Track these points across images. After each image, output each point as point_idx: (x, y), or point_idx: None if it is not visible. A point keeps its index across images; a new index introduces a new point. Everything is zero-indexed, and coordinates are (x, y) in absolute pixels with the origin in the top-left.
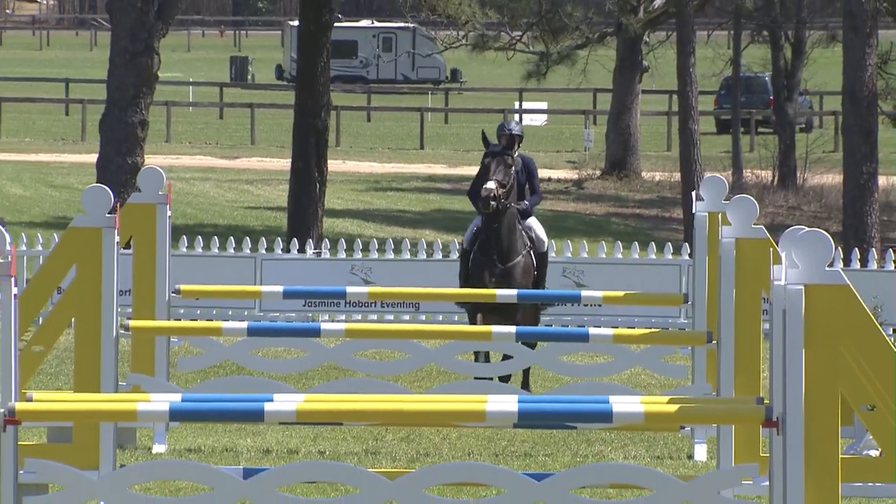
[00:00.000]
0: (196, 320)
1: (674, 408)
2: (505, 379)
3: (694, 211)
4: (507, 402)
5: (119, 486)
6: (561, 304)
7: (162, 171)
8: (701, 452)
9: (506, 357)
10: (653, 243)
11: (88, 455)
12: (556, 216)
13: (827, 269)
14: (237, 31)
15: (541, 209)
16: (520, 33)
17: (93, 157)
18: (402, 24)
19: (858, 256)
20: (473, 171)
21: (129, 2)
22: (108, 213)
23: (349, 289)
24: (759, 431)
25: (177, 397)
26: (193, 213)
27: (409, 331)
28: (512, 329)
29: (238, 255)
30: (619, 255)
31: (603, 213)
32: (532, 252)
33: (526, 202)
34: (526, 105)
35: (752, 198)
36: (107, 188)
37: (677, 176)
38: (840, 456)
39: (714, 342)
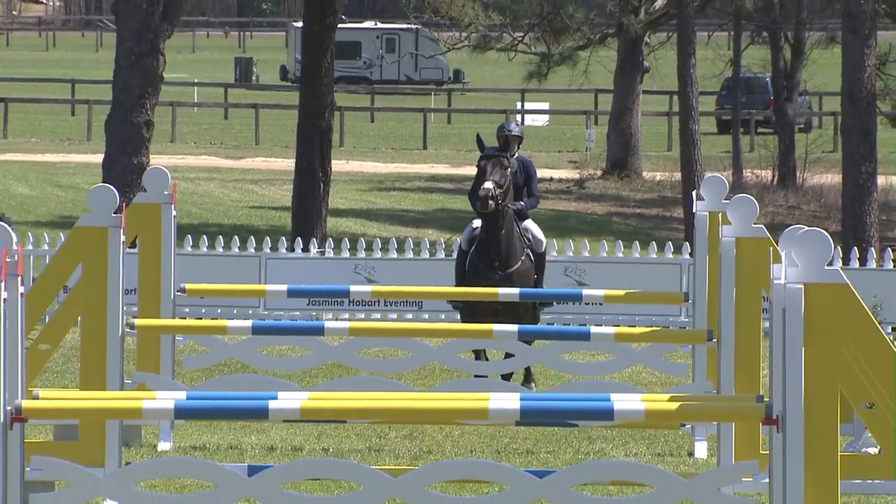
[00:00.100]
0: (201, 319)
1: (674, 406)
2: (507, 377)
3: (694, 210)
4: (509, 400)
5: (124, 484)
6: (562, 303)
7: (167, 171)
8: (701, 450)
9: (508, 356)
10: (654, 242)
11: (94, 452)
12: (557, 216)
13: (826, 268)
14: (242, 33)
15: (542, 209)
16: (521, 34)
17: (98, 158)
18: (405, 26)
19: (857, 255)
20: (476, 171)
21: (135, 3)
22: (114, 213)
23: (353, 288)
24: (759, 429)
25: (182, 395)
26: (198, 212)
27: (411, 329)
28: (514, 328)
29: (242, 255)
30: (621, 255)
31: (604, 212)
32: (531, 254)
33: (522, 203)
34: (528, 105)
35: (752, 197)
36: (112, 188)
37: (678, 176)
38: (839, 453)
39: (714, 340)
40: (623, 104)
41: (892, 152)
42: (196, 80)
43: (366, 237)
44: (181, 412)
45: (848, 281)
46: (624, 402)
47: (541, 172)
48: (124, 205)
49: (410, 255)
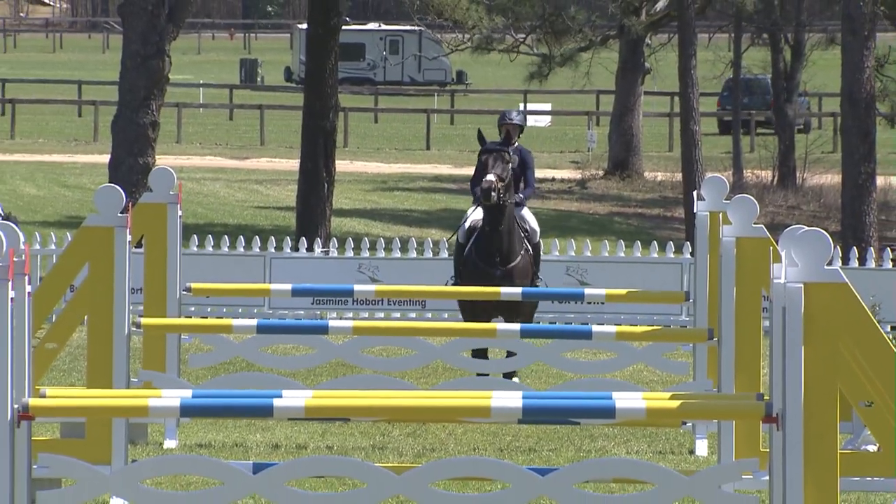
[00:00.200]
0: (206, 318)
1: (675, 404)
2: (509, 376)
3: (695, 210)
4: (511, 398)
5: (131, 481)
6: (564, 302)
7: (173, 171)
8: (702, 448)
9: (509, 354)
10: (655, 242)
11: (101, 450)
12: (559, 215)
13: (826, 267)
14: (247, 34)
15: (544, 209)
16: (523, 36)
17: (105, 158)
18: (408, 27)
19: (857, 255)
20: (477, 163)
21: (141, 5)
22: (120, 213)
23: (357, 287)
24: (759, 427)
25: (187, 393)
26: (204, 212)
27: (415, 328)
28: (516, 326)
29: (248, 254)
30: (622, 254)
31: (606, 212)
32: (529, 248)
33: (520, 195)
34: (530, 106)
35: (752, 197)
36: (119, 188)
37: (679, 176)
38: (839, 451)
39: (715, 339)
40: (624, 105)
41: (891, 153)
42: (201, 82)
43: (369, 237)
44: (187, 410)
45: (847, 280)
46: (625, 400)
47: (543, 173)
48: (130, 205)
49: (414, 254)
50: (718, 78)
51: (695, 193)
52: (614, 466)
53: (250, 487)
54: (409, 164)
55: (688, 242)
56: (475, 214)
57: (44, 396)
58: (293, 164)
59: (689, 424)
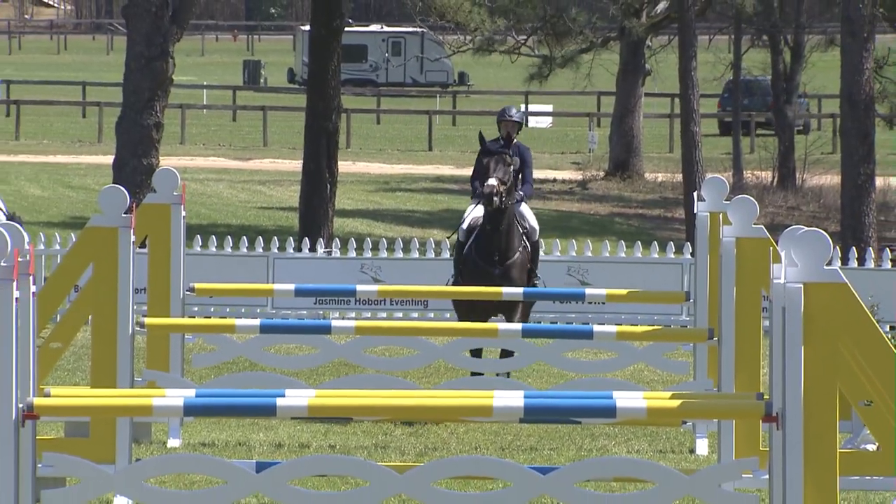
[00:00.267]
0: (210, 318)
1: (676, 403)
2: (505, 376)
3: (695, 211)
4: (513, 398)
5: (135, 480)
6: (566, 302)
7: (176, 172)
8: (702, 447)
9: (504, 353)
10: (655, 242)
11: (105, 449)
12: (560, 216)
13: (825, 267)
14: (250, 36)
15: (546, 209)
16: (525, 37)
17: (109, 159)
18: (410, 29)
19: (856, 255)
20: (476, 161)
21: (145, 7)
22: (124, 214)
23: (359, 287)
24: (759, 426)
25: (191, 393)
26: (207, 213)
27: (417, 328)
28: (518, 326)
29: (251, 255)
30: (623, 254)
31: (607, 213)
32: (527, 244)
33: (521, 192)
34: (532, 108)
35: (752, 198)
36: (123, 189)
37: (679, 177)
38: (838, 450)
39: (715, 339)
40: (625, 106)
41: (889, 154)
42: (205, 83)
43: (372, 237)
44: (190, 409)
45: (847, 280)
46: (626, 399)
47: (545, 173)
48: (134, 205)
49: (416, 254)
50: (719, 80)
51: (695, 194)
52: (615, 465)
53: (253, 486)
54: (412, 164)
55: (688, 243)
56: (475, 212)
57: (48, 396)
58: (296, 164)
59: (690, 424)
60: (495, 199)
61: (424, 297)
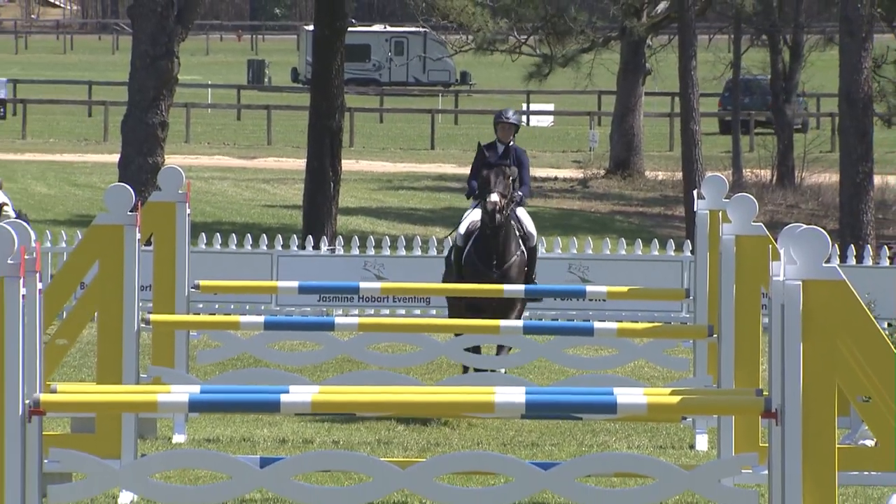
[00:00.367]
0: (214, 315)
1: (676, 399)
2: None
3: (695, 209)
4: (514, 394)
5: (140, 475)
6: (566, 299)
7: (181, 170)
8: (702, 442)
9: (499, 349)
10: (655, 240)
11: (110, 445)
12: (562, 214)
13: (824, 265)
14: (254, 36)
15: (547, 207)
16: (525, 37)
17: (115, 157)
18: (413, 29)
19: (854, 253)
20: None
21: (150, 7)
22: (130, 212)
23: (362, 284)
24: (758, 422)
25: (196, 389)
26: (212, 211)
27: (420, 325)
28: (519, 323)
29: (255, 252)
30: (623, 252)
31: (607, 210)
32: (524, 249)
33: (519, 193)
34: (533, 107)
35: (751, 196)
36: (128, 187)
37: (679, 175)
38: (837, 446)
39: (715, 336)
40: (626, 105)
41: (888, 152)
42: (210, 82)
43: (375, 235)
44: (195, 405)
45: (845, 278)
46: (627, 395)
47: (545, 172)
48: (140, 203)
49: (419, 252)
50: (718, 79)
51: (695, 192)
52: (616, 461)
53: (258, 481)
54: (414, 163)
55: (688, 240)
56: (472, 216)
57: (54, 392)
58: (300, 163)
59: (690, 420)
60: (498, 215)
61: (427, 294)
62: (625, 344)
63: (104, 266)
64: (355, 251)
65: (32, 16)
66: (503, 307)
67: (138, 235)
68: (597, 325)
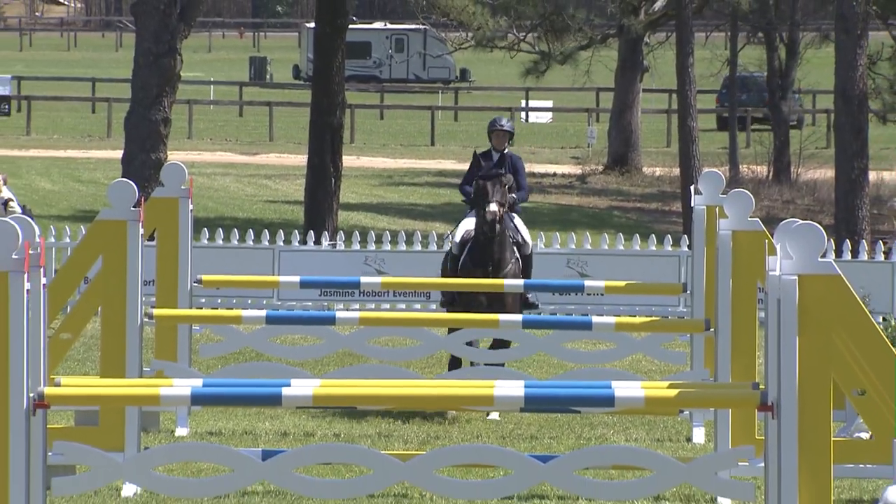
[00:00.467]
0: (217, 309)
1: (673, 393)
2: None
3: (693, 204)
4: (514, 388)
5: (143, 468)
6: (565, 294)
7: (184, 166)
8: (699, 435)
9: (497, 344)
10: (653, 235)
11: (114, 438)
12: (560, 209)
13: (820, 259)
14: (256, 33)
15: (546, 203)
16: (524, 34)
17: (118, 154)
18: (413, 26)
19: (850, 248)
20: (470, 169)
21: (153, 5)
22: (133, 207)
23: (363, 279)
24: (754, 415)
25: (198, 383)
26: (214, 206)
27: (420, 319)
28: (518, 317)
29: (257, 247)
30: (621, 247)
31: (605, 206)
32: (518, 257)
33: (514, 195)
34: (532, 103)
35: (748, 192)
36: (131, 183)
37: (677, 171)
38: (832, 439)
39: (712, 330)
40: (624, 102)
41: (883, 149)
42: (212, 79)
43: (375, 230)
44: (198, 399)
45: (840, 272)
46: (624, 389)
47: (544, 168)
48: (143, 199)
49: (419, 247)
50: (715, 76)
51: (692, 188)
52: (614, 454)
53: (259, 474)
54: (414, 159)
55: (685, 235)
56: (467, 225)
57: (59, 385)
58: (301, 159)
59: (687, 413)
60: (497, 226)
61: (427, 288)
62: (623, 338)
63: (108, 261)
64: (356, 246)
65: (37, 13)
66: (499, 309)
67: (141, 231)
68: (595, 319)
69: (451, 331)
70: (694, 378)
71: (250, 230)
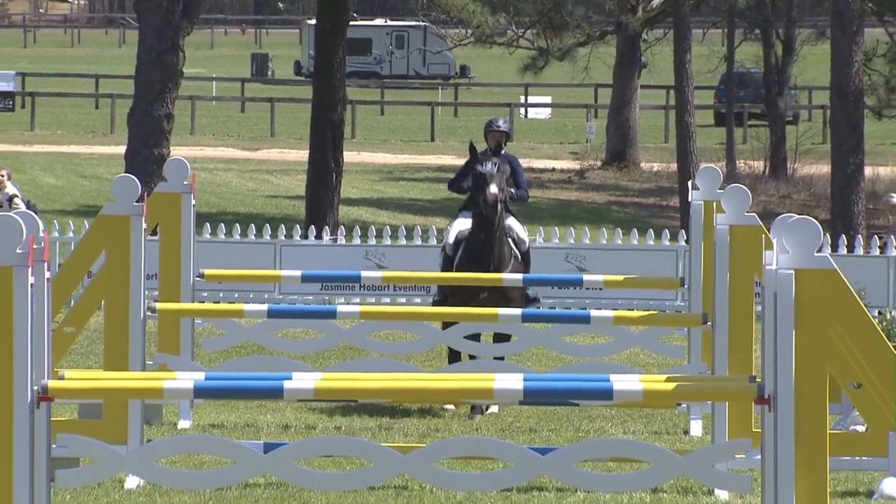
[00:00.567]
0: (219, 303)
1: (671, 386)
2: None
3: (690, 199)
4: (513, 381)
5: (146, 460)
6: (564, 288)
7: (186, 161)
8: (696, 428)
9: (499, 338)
10: (651, 230)
11: (117, 430)
12: (559, 204)
13: (816, 254)
14: (258, 30)
15: (545, 198)
16: (523, 30)
17: (121, 149)
18: (414, 23)
19: (845, 242)
20: (465, 165)
21: (156, 2)
22: (136, 202)
23: (364, 273)
24: (751, 408)
25: (201, 376)
26: (216, 201)
27: (420, 313)
28: (517, 311)
29: (258, 242)
30: (619, 242)
31: (604, 201)
32: (518, 256)
33: (512, 190)
34: (531, 100)
35: (744, 187)
36: (134, 178)
37: (674, 166)
38: (828, 431)
39: (709, 324)
40: (622, 98)
41: (878, 144)
42: (214, 75)
43: (376, 225)
44: (200, 392)
45: (836, 267)
46: (622, 382)
47: (543, 163)
48: (146, 194)
49: (419, 242)
50: (713, 72)
51: (689, 183)
52: (612, 446)
53: (261, 466)
54: (414, 154)
55: (683, 230)
56: (460, 224)
57: (62, 379)
58: (302, 154)
59: (684, 406)
60: (499, 205)
61: (427, 283)
62: (621, 332)
63: (111, 255)
64: (357, 241)
65: (41, 10)
66: (497, 303)
67: (144, 225)
68: (593, 313)
69: (445, 325)
70: (691, 371)
71: (252, 225)
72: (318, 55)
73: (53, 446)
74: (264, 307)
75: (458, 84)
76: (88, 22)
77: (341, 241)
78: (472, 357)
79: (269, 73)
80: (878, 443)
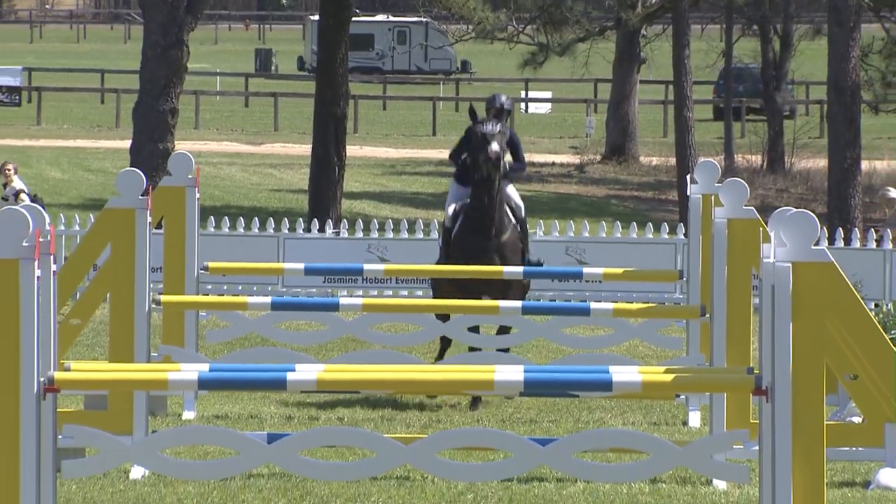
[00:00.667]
0: (223, 296)
1: (669, 377)
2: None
3: (688, 193)
4: (513, 372)
5: (151, 451)
6: (564, 280)
7: (191, 156)
8: (695, 419)
9: (501, 330)
10: (650, 223)
11: (122, 421)
12: (559, 198)
13: (813, 247)
14: (261, 25)
15: (545, 192)
16: (523, 26)
17: (126, 143)
18: (415, 19)
19: (842, 236)
20: (468, 136)
21: None
22: (141, 196)
23: (366, 266)
24: (749, 399)
25: (205, 367)
26: (220, 195)
27: (422, 305)
28: (518, 304)
29: (262, 235)
30: (619, 235)
31: (603, 195)
32: (515, 222)
33: (511, 161)
34: (531, 94)
35: (742, 181)
36: (140, 172)
37: (673, 160)
38: (825, 422)
39: (707, 316)
40: (621, 93)
41: (875, 139)
42: (218, 70)
43: (378, 218)
44: (204, 383)
45: (833, 260)
46: (622, 374)
47: (543, 157)
48: (151, 188)
49: (421, 235)
50: (711, 67)
51: (688, 177)
52: (611, 437)
53: (265, 457)
54: (416, 149)
55: (681, 224)
56: (457, 195)
57: (68, 370)
58: (305, 149)
59: (683, 397)
60: (502, 163)
61: (429, 275)
62: (620, 324)
63: (116, 248)
64: (359, 234)
65: (47, 6)
66: (501, 290)
67: (149, 219)
68: (593, 305)
69: (438, 317)
70: (690, 363)
71: (256, 218)
72: (321, 51)
73: (60, 437)
74: (268, 300)
75: (459, 79)
76: (94, 17)
77: (344, 234)
78: (470, 349)
79: (273, 68)
80: (874, 433)
